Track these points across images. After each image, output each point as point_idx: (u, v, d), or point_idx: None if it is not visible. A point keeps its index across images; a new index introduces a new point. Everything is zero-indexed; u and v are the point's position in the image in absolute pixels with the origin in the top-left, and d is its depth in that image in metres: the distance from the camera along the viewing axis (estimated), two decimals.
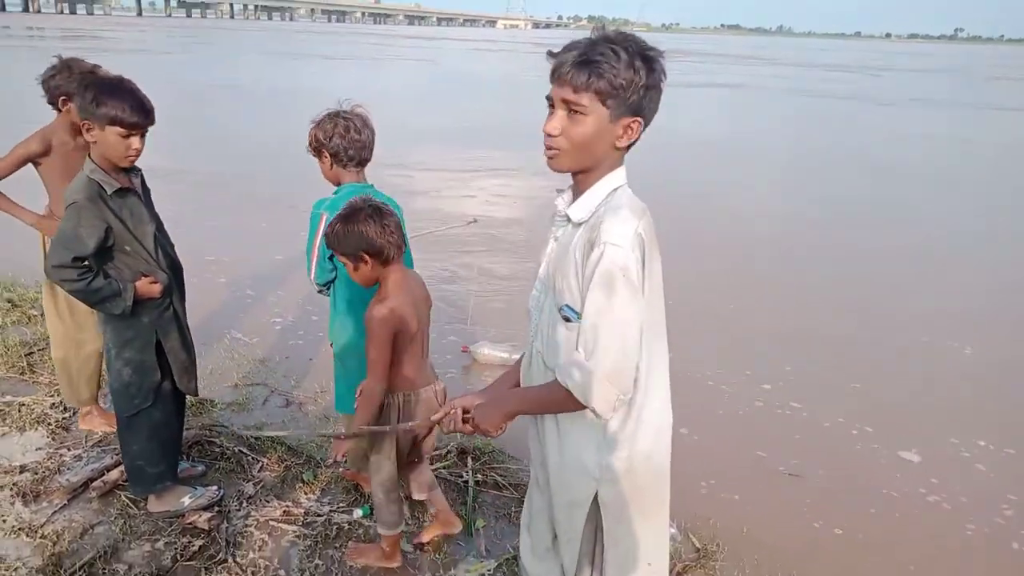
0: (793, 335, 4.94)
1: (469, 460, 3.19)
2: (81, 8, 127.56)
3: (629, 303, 1.49)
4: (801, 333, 4.98)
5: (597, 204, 1.57)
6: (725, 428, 3.72)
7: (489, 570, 2.61)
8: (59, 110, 2.97)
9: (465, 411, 1.80)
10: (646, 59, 1.48)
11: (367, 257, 2.16)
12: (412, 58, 40.72)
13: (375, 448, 2.43)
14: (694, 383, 4.14)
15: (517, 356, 4.37)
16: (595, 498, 1.69)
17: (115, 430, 3.21)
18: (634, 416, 1.64)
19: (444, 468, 3.14)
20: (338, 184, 2.59)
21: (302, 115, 2.72)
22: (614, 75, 1.45)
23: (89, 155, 2.40)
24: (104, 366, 2.68)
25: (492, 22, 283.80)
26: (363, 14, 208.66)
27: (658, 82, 1.50)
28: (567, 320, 1.59)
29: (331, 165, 2.56)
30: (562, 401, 1.59)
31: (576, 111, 1.49)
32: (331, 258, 2.47)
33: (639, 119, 1.52)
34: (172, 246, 2.64)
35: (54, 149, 2.93)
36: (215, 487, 2.86)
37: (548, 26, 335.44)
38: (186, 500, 2.75)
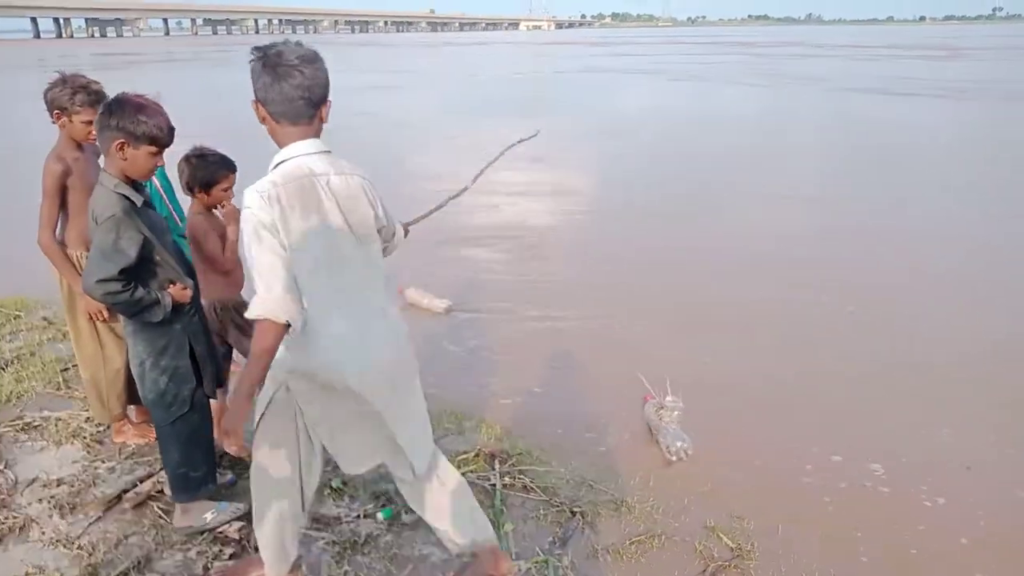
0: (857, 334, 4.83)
1: (496, 463, 3.17)
2: (111, 31, 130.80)
3: (254, 248, 1.88)
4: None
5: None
6: (759, 425, 3.64)
7: (519, 571, 2.58)
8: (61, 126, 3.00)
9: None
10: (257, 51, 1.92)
11: None
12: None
13: None
14: (731, 381, 4.08)
15: (440, 304, 4.84)
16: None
17: (146, 442, 3.28)
18: (305, 338, 1.98)
19: (471, 472, 3.12)
20: None
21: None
22: None
23: (105, 170, 2.45)
24: (136, 379, 2.70)
25: (515, 24, 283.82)
26: (386, 22, 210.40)
27: (262, 69, 1.89)
28: None
29: None
30: (259, 334, 1.90)
31: None
32: None
33: (257, 101, 1.94)
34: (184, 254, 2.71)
35: (71, 165, 2.95)
36: (240, 504, 2.83)
37: (571, 25, 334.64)
38: (208, 516, 2.76)
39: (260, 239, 1.87)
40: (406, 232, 2.44)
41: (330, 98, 2.01)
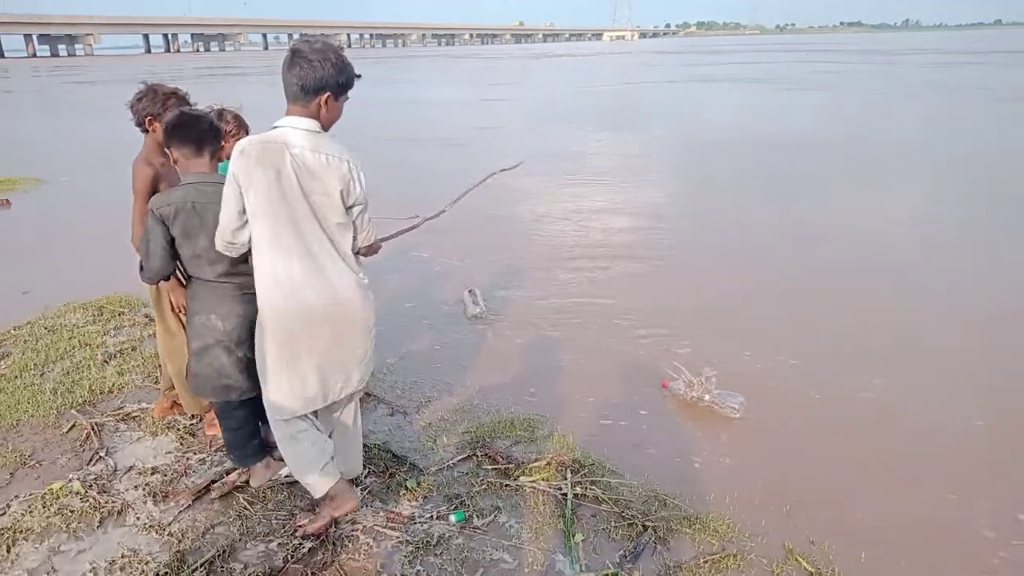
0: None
1: (568, 473, 3.16)
2: (214, 45, 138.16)
3: (224, 188, 2.45)
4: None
5: None
6: (845, 444, 3.50)
7: None
8: (146, 131, 3.17)
9: None
10: None
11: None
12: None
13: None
14: (805, 389, 3.94)
15: (472, 309, 5.21)
16: None
17: None
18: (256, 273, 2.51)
19: (543, 480, 3.13)
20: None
21: None
22: None
23: (210, 172, 2.70)
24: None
25: (598, 35, 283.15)
26: (471, 35, 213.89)
27: (286, 57, 2.41)
28: None
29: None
30: None
31: None
32: None
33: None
34: None
35: (159, 169, 3.12)
36: None
37: (655, 35, 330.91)
38: (284, 471, 3.03)
39: (228, 184, 2.42)
40: (376, 248, 2.75)
41: (345, 95, 2.49)
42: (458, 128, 16.27)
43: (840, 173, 10.49)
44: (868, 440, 3.52)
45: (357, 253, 2.63)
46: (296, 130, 2.41)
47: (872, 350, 4.54)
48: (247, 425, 3.01)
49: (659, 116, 19.04)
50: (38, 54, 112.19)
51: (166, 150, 2.79)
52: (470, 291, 5.47)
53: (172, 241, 2.67)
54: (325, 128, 2.51)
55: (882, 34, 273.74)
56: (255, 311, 2.61)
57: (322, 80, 2.39)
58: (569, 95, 26.31)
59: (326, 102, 2.43)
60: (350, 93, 2.54)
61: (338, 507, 2.72)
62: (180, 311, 3.18)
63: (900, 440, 3.52)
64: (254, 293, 2.58)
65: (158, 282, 2.92)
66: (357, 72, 2.51)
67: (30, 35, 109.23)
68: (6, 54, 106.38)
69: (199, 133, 2.72)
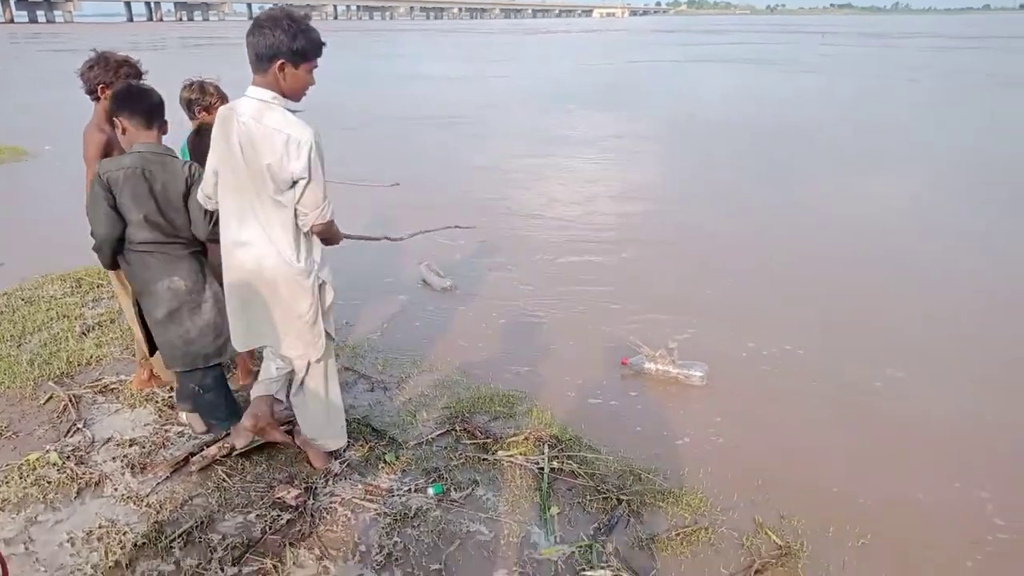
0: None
1: (546, 447, 3.20)
2: (198, 15, 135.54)
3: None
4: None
5: None
6: (822, 424, 3.56)
7: (563, 554, 2.61)
8: (97, 99, 3.15)
9: None
10: None
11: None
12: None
13: None
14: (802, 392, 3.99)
15: (440, 283, 5.25)
16: None
17: None
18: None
19: (520, 454, 3.16)
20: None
21: None
22: None
23: (164, 143, 2.80)
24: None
25: (588, 12, 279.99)
26: (459, 9, 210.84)
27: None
28: None
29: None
30: None
31: None
32: None
33: None
34: None
35: (110, 136, 3.08)
36: None
37: (646, 13, 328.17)
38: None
39: (211, 146, 2.57)
40: (336, 237, 2.72)
41: (307, 62, 2.43)
42: (458, 105, 16.10)
43: (839, 159, 10.46)
44: (844, 421, 3.58)
45: (309, 232, 2.61)
46: (251, 99, 2.45)
47: (863, 334, 4.60)
48: (222, 382, 3.14)
49: (664, 95, 18.95)
50: (15, 20, 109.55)
51: (114, 119, 2.80)
52: (426, 264, 5.41)
53: (114, 206, 2.72)
54: (293, 98, 2.48)
55: (872, 16, 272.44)
56: (203, 265, 2.82)
57: (273, 47, 2.36)
58: (569, 73, 26.09)
59: (281, 69, 2.40)
60: (319, 62, 2.50)
61: (249, 414, 2.88)
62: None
63: (877, 421, 3.58)
64: (200, 250, 2.79)
65: (110, 256, 2.92)
66: (322, 40, 2.46)
67: (7, 0, 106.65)
68: None
69: (150, 106, 2.80)
